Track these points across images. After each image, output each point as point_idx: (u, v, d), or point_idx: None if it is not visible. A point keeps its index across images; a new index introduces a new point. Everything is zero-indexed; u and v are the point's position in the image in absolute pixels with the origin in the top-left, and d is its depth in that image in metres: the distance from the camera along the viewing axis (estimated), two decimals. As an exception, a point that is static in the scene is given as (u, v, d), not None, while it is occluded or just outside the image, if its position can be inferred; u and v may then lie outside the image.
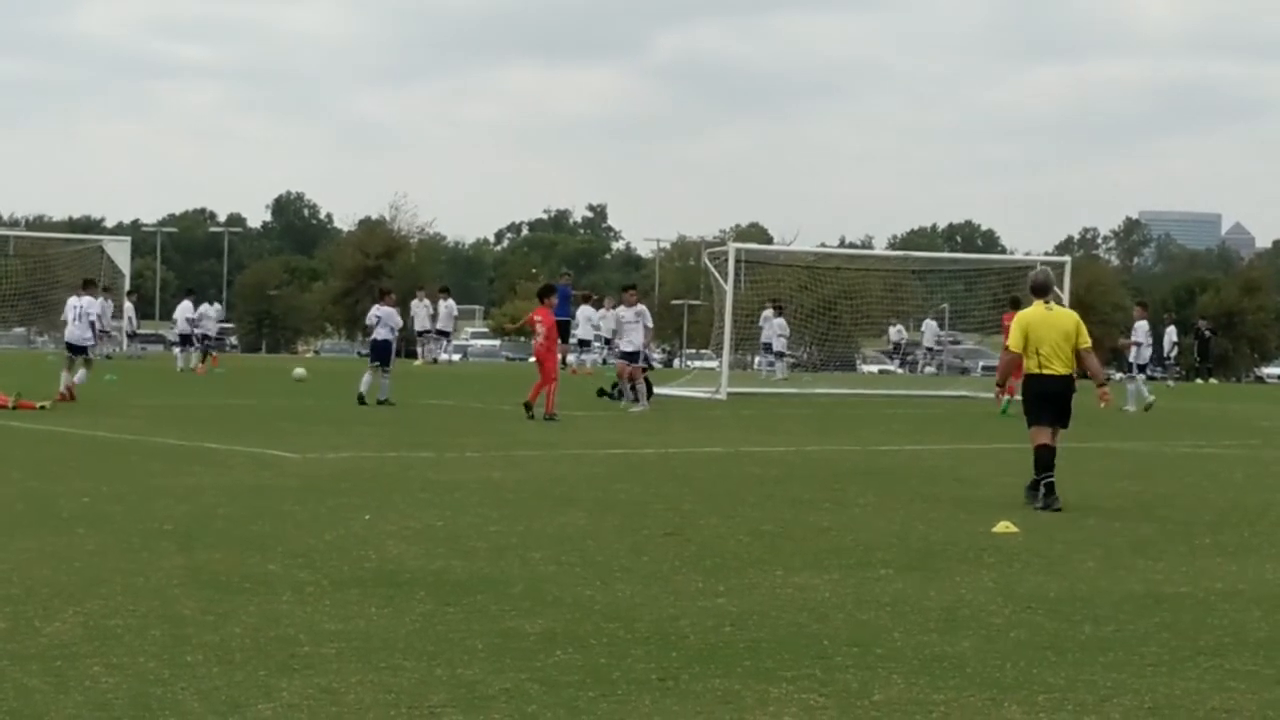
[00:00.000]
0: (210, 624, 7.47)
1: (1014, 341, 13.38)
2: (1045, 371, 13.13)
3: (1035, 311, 13.34)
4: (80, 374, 24.40)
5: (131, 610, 7.75)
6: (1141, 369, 30.83)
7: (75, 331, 24.82)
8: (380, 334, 25.77)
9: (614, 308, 40.21)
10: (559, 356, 38.32)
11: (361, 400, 24.86)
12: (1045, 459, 13.01)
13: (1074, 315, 13.64)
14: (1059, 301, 14.34)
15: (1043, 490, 12.94)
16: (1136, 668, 7.04)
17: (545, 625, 7.62)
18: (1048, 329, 13.17)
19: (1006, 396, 23.66)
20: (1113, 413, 30.19)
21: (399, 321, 26.31)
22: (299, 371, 34.23)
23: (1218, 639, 7.73)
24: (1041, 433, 13.11)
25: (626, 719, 6.00)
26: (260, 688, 6.30)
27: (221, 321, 39.33)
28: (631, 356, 26.06)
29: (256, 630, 7.35)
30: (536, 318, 23.43)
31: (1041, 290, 13.45)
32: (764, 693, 6.41)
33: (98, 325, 25.75)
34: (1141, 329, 31.07)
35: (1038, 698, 6.46)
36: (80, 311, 24.98)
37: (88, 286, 26.48)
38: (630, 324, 26.10)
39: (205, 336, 39.41)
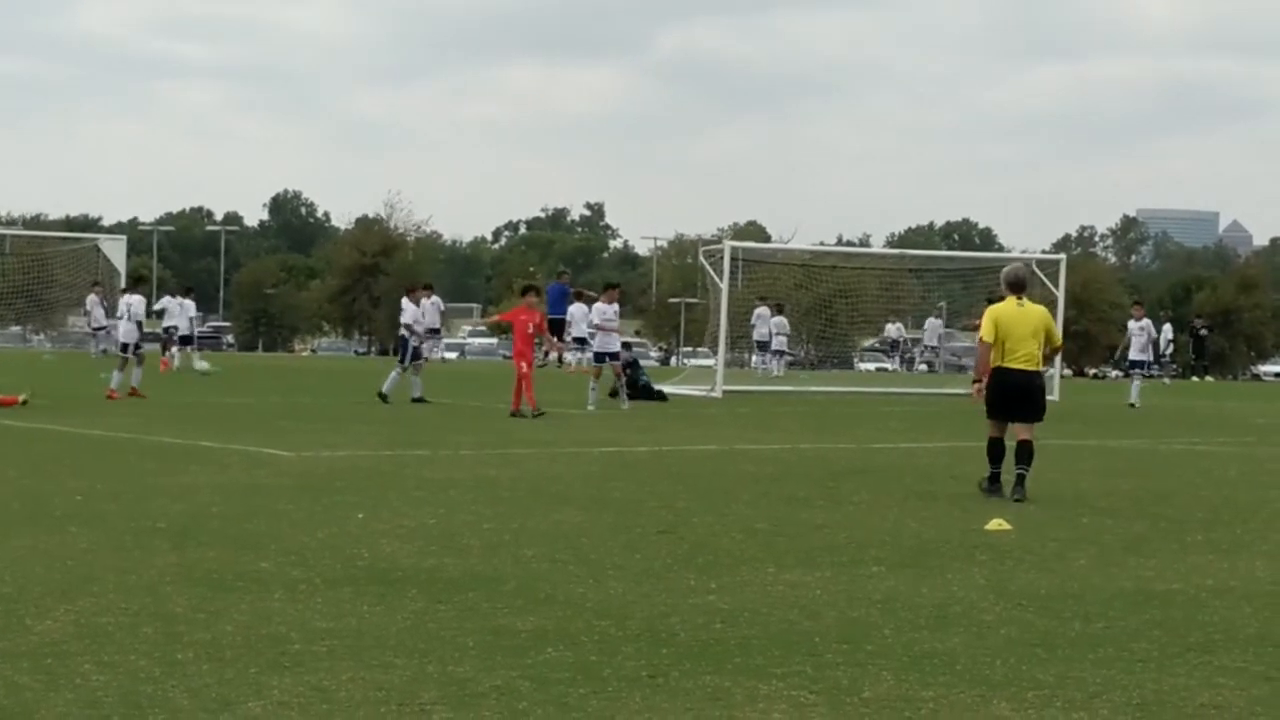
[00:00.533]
0: (202, 622, 7.48)
1: (986, 332, 13.64)
2: (1009, 365, 13.45)
3: (1008, 306, 13.60)
4: (116, 376, 24.66)
5: (123, 608, 7.76)
6: (1136, 366, 31.06)
7: (126, 329, 25.46)
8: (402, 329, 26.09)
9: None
10: (556, 355, 38.50)
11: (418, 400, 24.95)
12: (997, 452, 13.53)
13: (1045, 313, 13.93)
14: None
15: (987, 479, 13.49)
16: (1126, 664, 7.06)
17: (537, 623, 7.63)
18: (1018, 324, 13.48)
19: None
20: (1110, 411, 30.29)
21: (408, 318, 26.44)
22: (202, 365, 34.56)
23: (1208, 636, 7.75)
24: (997, 427, 13.56)
25: (616, 716, 6.01)
26: (251, 685, 6.31)
27: (164, 316, 38.78)
28: (612, 355, 25.90)
29: (248, 628, 7.36)
30: (523, 317, 23.46)
31: (1017, 286, 13.74)
32: (754, 689, 6.43)
33: (144, 325, 26.07)
34: (1136, 327, 31.25)
35: (1027, 694, 6.47)
36: (130, 310, 25.46)
37: (138, 285, 27.00)
38: (610, 321, 26.01)
39: (168, 331, 38.94)
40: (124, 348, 25.37)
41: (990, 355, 13.56)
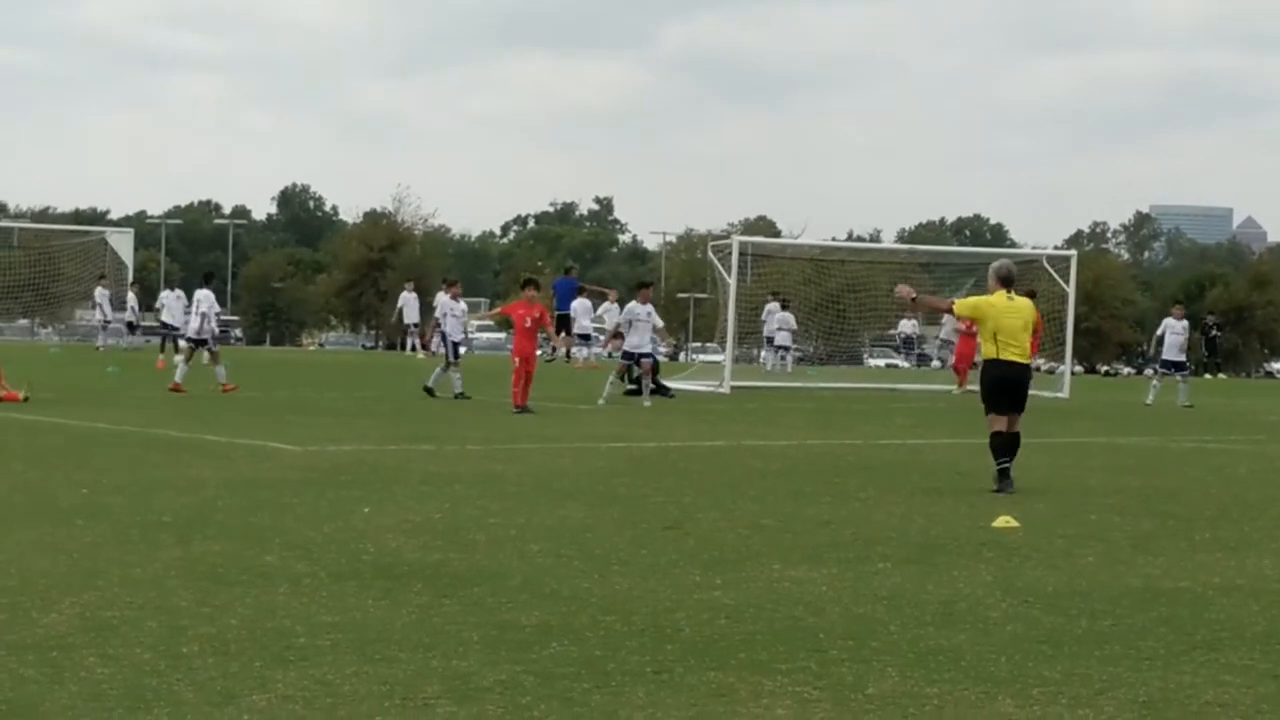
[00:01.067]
0: (206, 615, 7.48)
1: (963, 308, 14.14)
2: (1004, 357, 13.74)
3: (1000, 299, 13.91)
4: (220, 371, 25.01)
5: (128, 602, 7.76)
6: (1176, 367, 31.15)
7: (195, 324, 26.28)
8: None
9: (615, 301, 40.38)
10: (565, 350, 38.48)
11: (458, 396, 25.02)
12: (1001, 446, 13.68)
13: (1032, 305, 14.44)
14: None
15: (997, 474, 13.61)
16: (1132, 662, 7.04)
17: (541, 618, 7.62)
18: (1010, 317, 13.81)
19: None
20: (1119, 408, 30.26)
21: (439, 311, 26.64)
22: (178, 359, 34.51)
23: (1214, 633, 7.72)
24: (998, 420, 13.78)
25: (619, 710, 6.00)
26: (255, 679, 6.31)
27: (163, 312, 39.22)
28: (643, 355, 26.00)
29: (253, 622, 7.36)
30: (520, 311, 23.39)
31: (1008, 281, 14.09)
32: (758, 685, 6.41)
33: (209, 318, 26.37)
34: (1180, 326, 31.30)
35: (1032, 691, 6.45)
36: (199, 305, 25.93)
37: (208, 280, 27.44)
38: (642, 321, 26.11)
39: (167, 326, 39.09)
40: (203, 343, 25.98)
41: (938, 309, 14.13)
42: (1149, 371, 32.34)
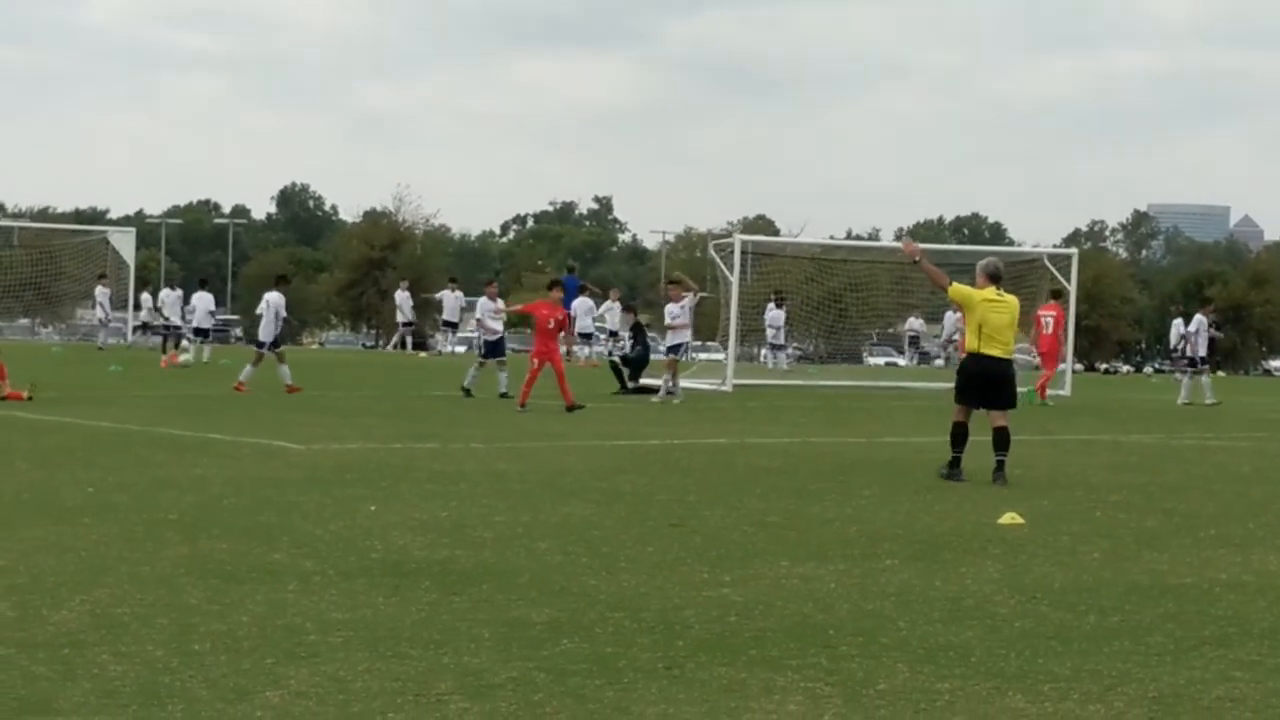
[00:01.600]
0: (217, 613, 7.49)
1: (957, 292, 14.17)
2: (985, 352, 13.94)
3: (989, 294, 14.09)
4: (247, 370, 25.11)
5: (138, 599, 7.78)
6: (1195, 363, 31.33)
7: (265, 325, 26.51)
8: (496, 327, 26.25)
9: (617, 300, 40.50)
10: (566, 348, 38.47)
11: (467, 393, 25.14)
12: (960, 436, 13.95)
13: (1018, 303, 14.68)
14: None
15: (950, 462, 13.93)
16: (1141, 657, 7.06)
17: (551, 614, 7.64)
18: (997, 314, 14.03)
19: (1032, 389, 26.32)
20: (1121, 405, 30.27)
21: (478, 313, 26.72)
22: (185, 357, 34.48)
23: (1222, 629, 7.74)
24: (964, 411, 14.04)
25: (632, 707, 6.02)
26: (268, 676, 6.33)
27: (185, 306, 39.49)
28: (671, 349, 26.84)
29: (263, 619, 7.38)
30: (544, 311, 23.41)
31: (996, 278, 14.29)
32: (769, 681, 6.43)
33: (280, 320, 26.39)
34: (1204, 324, 31.58)
35: (1042, 687, 6.47)
36: (269, 306, 25.96)
37: (280, 283, 27.54)
38: (678, 319, 26.65)
39: (168, 326, 39.18)
40: (260, 344, 25.98)
41: (937, 280, 14.34)
42: (1149, 368, 32.52)
